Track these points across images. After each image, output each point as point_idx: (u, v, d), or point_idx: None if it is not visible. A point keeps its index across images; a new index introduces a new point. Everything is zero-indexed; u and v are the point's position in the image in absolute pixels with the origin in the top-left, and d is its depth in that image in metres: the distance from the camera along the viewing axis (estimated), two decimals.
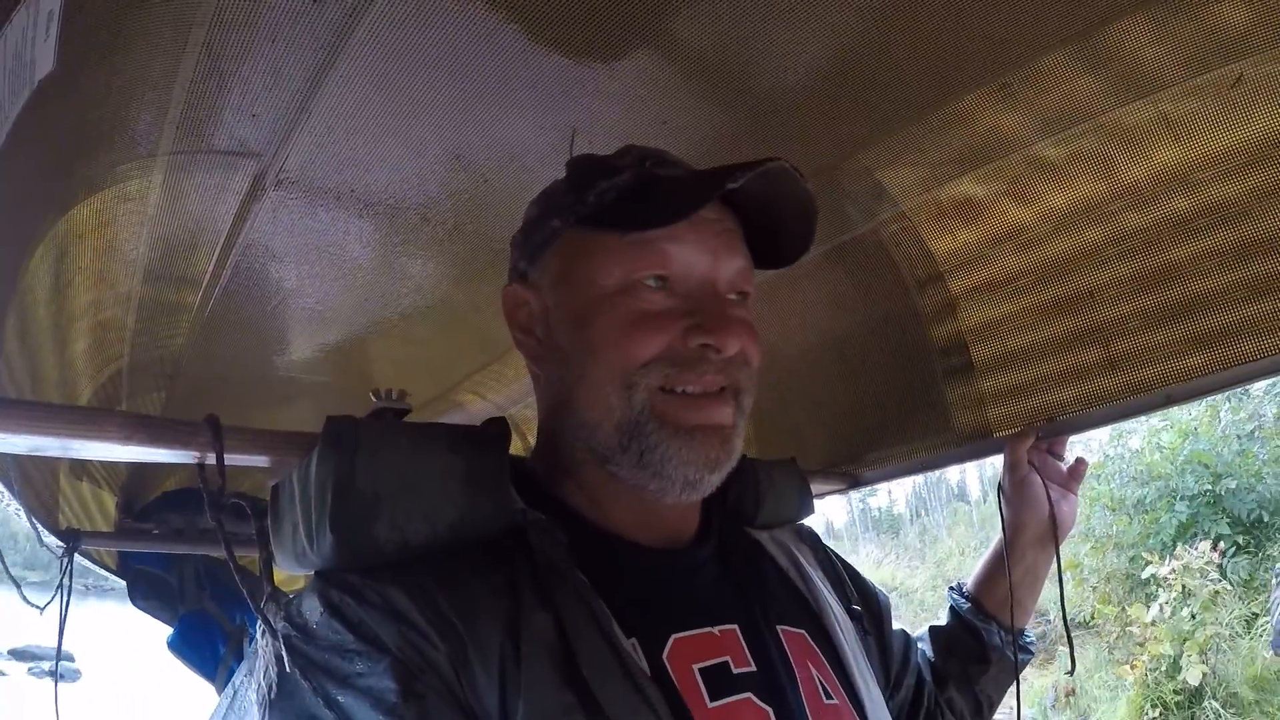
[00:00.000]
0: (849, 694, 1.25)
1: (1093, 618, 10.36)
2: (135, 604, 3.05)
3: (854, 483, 2.22)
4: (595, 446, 1.16)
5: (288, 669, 0.96)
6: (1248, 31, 1.44)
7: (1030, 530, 1.84)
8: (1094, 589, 10.40)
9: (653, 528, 1.21)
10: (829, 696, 1.20)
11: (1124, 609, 9.53)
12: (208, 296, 1.93)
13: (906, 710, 1.65)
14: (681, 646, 1.09)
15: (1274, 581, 4.73)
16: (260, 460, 1.31)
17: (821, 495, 2.11)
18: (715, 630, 1.14)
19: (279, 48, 1.31)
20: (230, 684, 2.23)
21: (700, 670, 1.08)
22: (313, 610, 0.99)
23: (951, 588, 1.93)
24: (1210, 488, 10.76)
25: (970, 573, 1.91)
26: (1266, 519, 10.49)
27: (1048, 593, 1.93)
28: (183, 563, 2.95)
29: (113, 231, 1.67)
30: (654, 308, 1.13)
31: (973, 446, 2.01)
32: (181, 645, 3.03)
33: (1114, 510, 11.35)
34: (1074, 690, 10.14)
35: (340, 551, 0.99)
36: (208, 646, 2.98)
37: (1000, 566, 1.84)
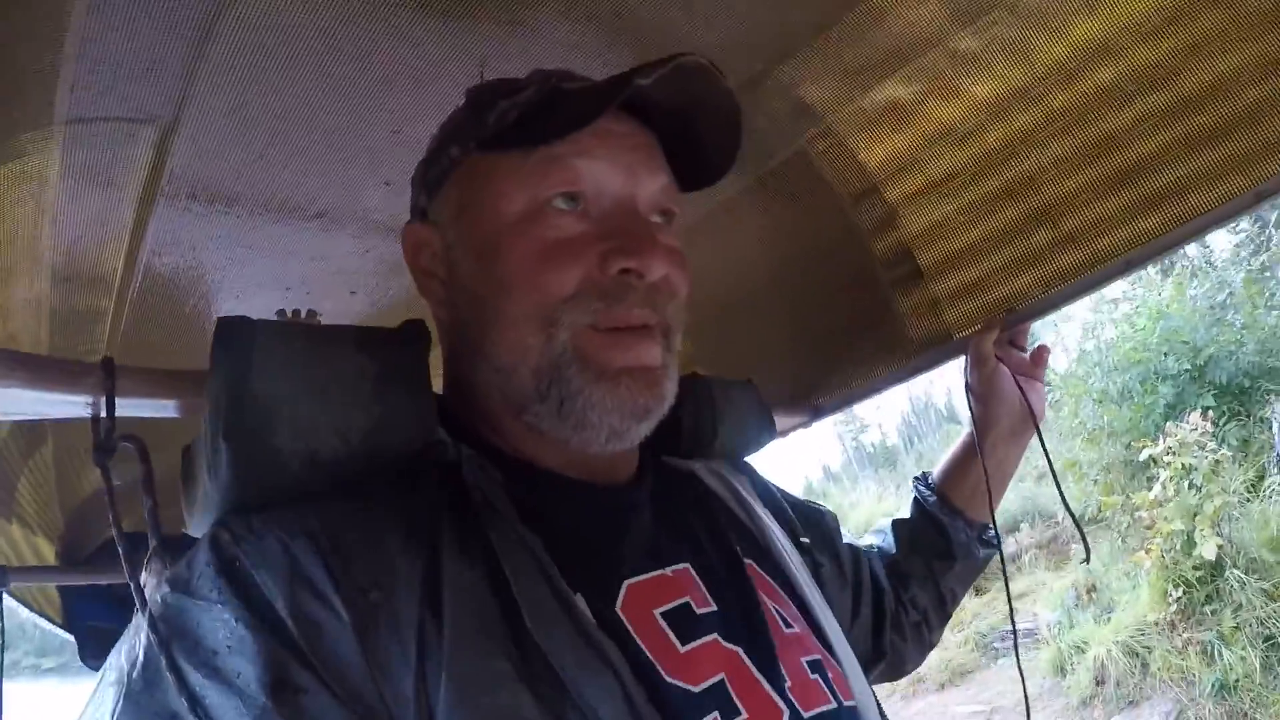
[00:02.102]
0: (808, 621, 1.23)
1: (1100, 511, 10.44)
2: (86, 664, 2.89)
3: (816, 413, 2.20)
4: (510, 394, 1.10)
5: (155, 649, 0.84)
6: None
7: (1003, 424, 1.85)
8: (1095, 483, 10.50)
9: (586, 467, 1.14)
10: (788, 625, 1.18)
11: (1128, 496, 9.61)
12: (123, 300, 1.81)
13: (870, 623, 1.66)
14: (637, 593, 1.04)
15: (1276, 451, 4.76)
16: (166, 407, 1.19)
17: (785, 432, 2.10)
18: (668, 571, 1.09)
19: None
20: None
21: (662, 614, 1.03)
22: (198, 563, 0.88)
23: (917, 479, 1.94)
24: (1190, 364, 10.88)
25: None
26: (1249, 385, 10.64)
27: (1052, 493, 1.94)
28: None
29: (13, 222, 1.53)
30: (566, 233, 1.07)
31: (934, 353, 2.01)
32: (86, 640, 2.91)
33: (1100, 402, 11.39)
34: (1094, 585, 10.23)
35: (238, 470, 0.92)
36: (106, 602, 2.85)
37: (967, 461, 1.86)
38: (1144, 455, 9.53)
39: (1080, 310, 12.65)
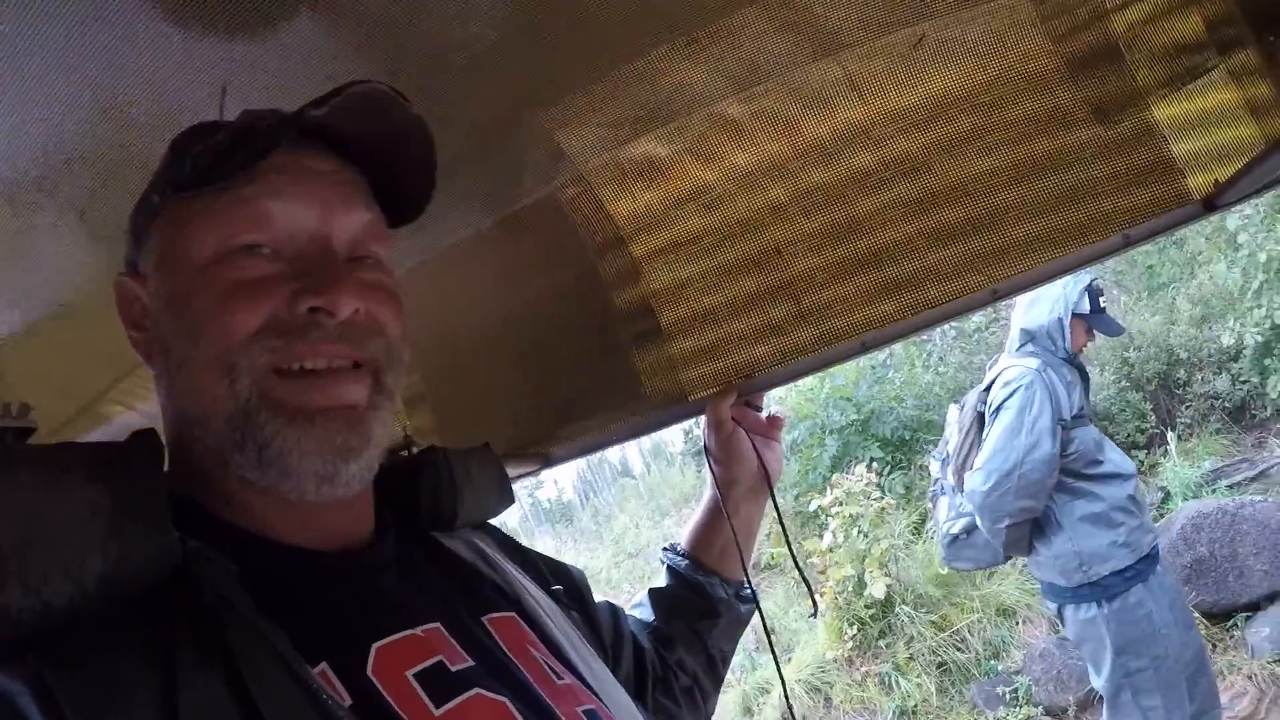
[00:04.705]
0: (574, 674, 1.24)
1: (772, 560, 10.96)
2: None
3: (547, 461, 2.22)
4: (213, 446, 1.05)
5: None
6: None
7: (743, 484, 1.92)
8: (767, 535, 11.00)
9: (317, 529, 1.12)
10: (559, 677, 1.19)
11: (800, 545, 10.09)
12: None
13: (633, 681, 1.66)
14: (386, 655, 1.02)
15: (930, 496, 5.15)
16: None
17: (514, 479, 2.09)
18: (418, 631, 1.08)
19: None
20: None
21: (415, 675, 1.01)
22: None
23: (665, 549, 1.98)
24: (855, 418, 11.60)
25: (663, 540, 1.96)
26: (909, 437, 11.45)
27: None
28: None
29: None
30: (254, 274, 1.05)
31: (669, 412, 2.05)
32: None
33: None
34: (771, 629, 10.65)
35: None
36: None
37: (714, 522, 1.92)
38: (813, 506, 10.05)
39: None
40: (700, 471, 16.56)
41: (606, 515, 19.49)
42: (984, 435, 4.81)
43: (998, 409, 4.71)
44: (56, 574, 0.84)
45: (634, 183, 1.92)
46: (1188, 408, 10.20)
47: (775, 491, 1.95)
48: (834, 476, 10.36)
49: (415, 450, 1.54)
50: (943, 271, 1.75)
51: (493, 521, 1.58)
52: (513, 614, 1.27)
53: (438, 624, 1.11)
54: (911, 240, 1.76)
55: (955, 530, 5.07)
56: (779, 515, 1.95)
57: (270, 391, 1.02)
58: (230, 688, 0.86)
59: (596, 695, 1.22)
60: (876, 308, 1.81)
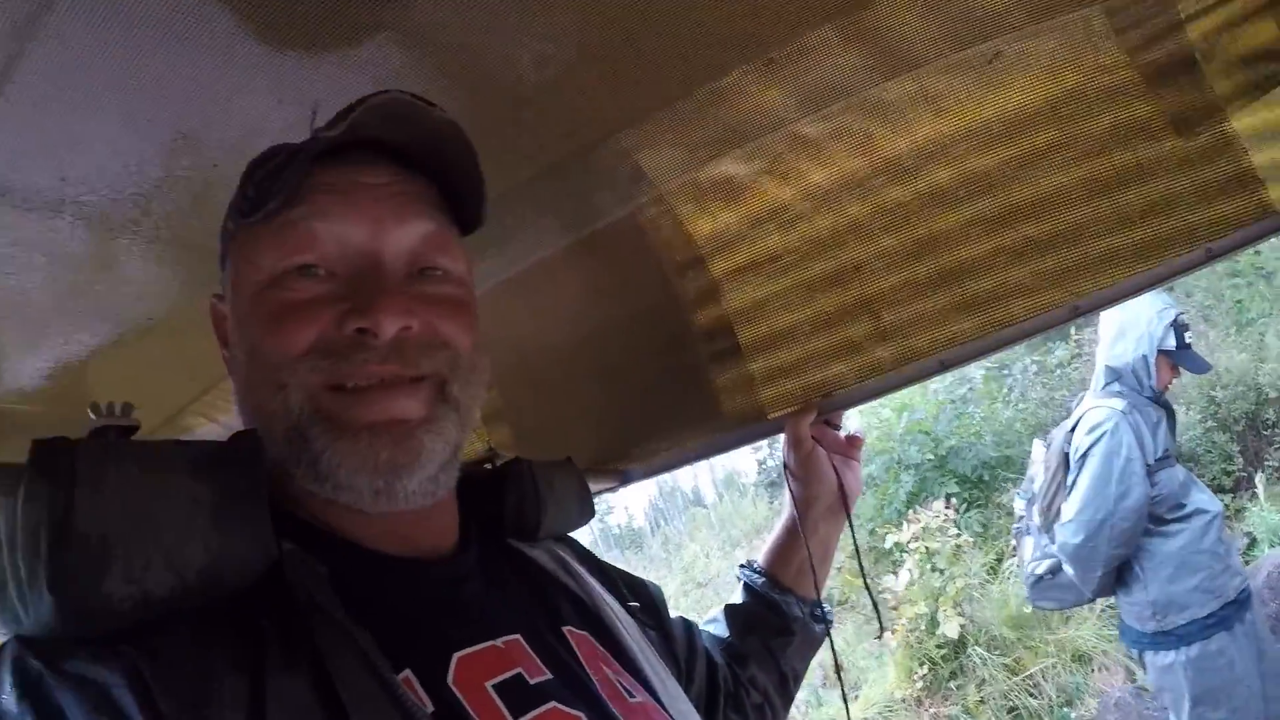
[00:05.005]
0: (648, 691, 1.24)
1: (843, 595, 10.83)
2: None
3: (624, 479, 2.24)
4: (278, 459, 1.07)
5: None
6: (1005, 10, 1.54)
7: (821, 503, 1.93)
8: (839, 568, 10.90)
9: (401, 538, 1.14)
10: (632, 695, 1.19)
11: (874, 580, 9.96)
12: None
13: (705, 697, 1.66)
14: (467, 665, 1.04)
15: (1015, 534, 5.05)
16: None
17: (593, 494, 2.12)
18: (499, 643, 1.10)
19: None
20: None
21: (495, 687, 1.03)
22: (2, 685, 0.83)
23: (743, 566, 1.99)
24: (933, 454, 11.46)
25: (732, 571, 1.97)
26: (987, 474, 11.27)
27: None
28: None
29: None
30: (304, 295, 1.07)
31: (747, 430, 2.06)
32: None
33: None
34: (841, 665, 10.53)
35: (63, 616, 0.83)
36: None
37: (791, 541, 1.93)
38: (889, 542, 9.93)
39: None
40: (773, 503, 16.41)
41: (676, 543, 19.36)
42: (1069, 479, 4.71)
43: (1084, 455, 4.58)
44: (159, 564, 0.87)
45: (713, 202, 1.94)
46: (1277, 449, 9.86)
47: (852, 512, 1.95)
48: (910, 511, 10.25)
49: (498, 462, 1.55)
50: (1023, 288, 1.74)
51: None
52: (589, 629, 1.28)
53: (518, 635, 1.13)
54: (991, 256, 1.76)
55: (1040, 570, 4.97)
56: (854, 535, 1.99)
57: (321, 406, 1.04)
58: (317, 690, 0.89)
59: (668, 713, 1.23)
60: (956, 325, 1.81)
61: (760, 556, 1.98)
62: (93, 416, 1.33)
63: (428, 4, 1.34)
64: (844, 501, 1.94)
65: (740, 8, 1.50)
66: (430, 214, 1.15)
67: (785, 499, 2.01)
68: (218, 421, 2.50)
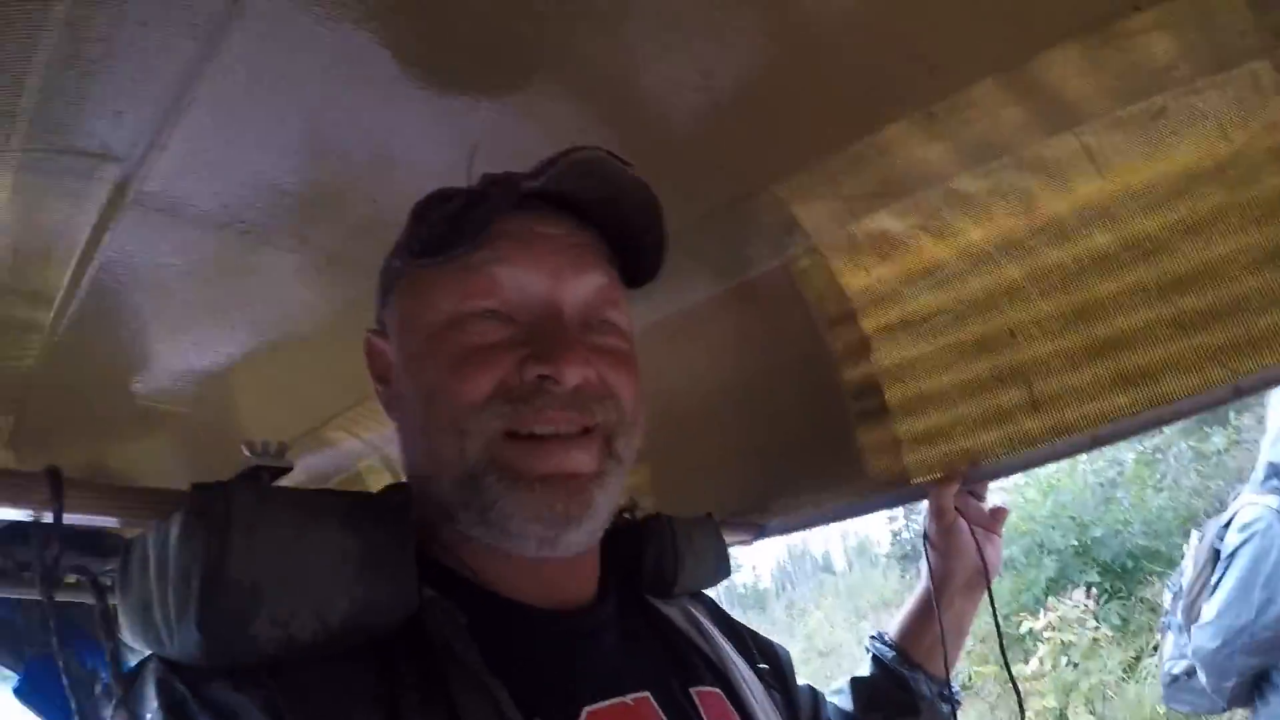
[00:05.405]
0: None
1: (970, 680, 10.59)
2: None
3: (760, 533, 2.21)
4: (442, 503, 1.11)
5: None
6: (1171, 64, 1.49)
7: (959, 577, 1.87)
8: (969, 652, 10.70)
9: (544, 587, 1.15)
10: None
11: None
12: (61, 315, 1.82)
13: None
14: None
15: (1160, 628, 4.85)
16: (109, 521, 1.21)
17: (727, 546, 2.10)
18: (628, 699, 1.10)
19: (151, 33, 1.19)
20: None
21: None
22: (148, 704, 0.88)
23: (873, 637, 1.95)
24: (1077, 540, 11.15)
25: (857, 643, 1.93)
26: (1132, 565, 10.92)
27: None
28: (29, 603, 2.81)
29: None
30: (485, 340, 1.09)
31: (889, 494, 2.02)
32: (30, 692, 2.89)
33: None
34: None
35: (208, 652, 0.86)
36: (58, 693, 2.84)
37: (924, 615, 1.88)
38: (1023, 628, 9.68)
39: None
40: (905, 577, 16.16)
41: (801, 609, 19.23)
42: (1215, 578, 4.50)
43: (1232, 554, 4.36)
44: (305, 612, 0.90)
45: (867, 257, 1.91)
46: None
47: (991, 589, 1.90)
48: (1049, 600, 9.98)
49: (637, 512, 1.58)
50: (1182, 363, 1.66)
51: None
52: (719, 689, 1.27)
53: (647, 694, 1.13)
54: (1150, 328, 1.69)
55: (1177, 671, 4.75)
56: (995, 613, 1.89)
57: (499, 455, 1.06)
58: None
59: None
60: (1111, 400, 1.73)
61: (891, 628, 1.93)
62: (247, 454, 1.38)
63: (588, 47, 1.37)
64: (984, 577, 1.88)
65: (902, 61, 1.49)
66: (603, 267, 1.18)
67: (922, 571, 1.97)
68: (360, 438, 2.58)
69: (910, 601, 1.95)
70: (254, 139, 1.45)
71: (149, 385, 2.25)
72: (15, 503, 1.09)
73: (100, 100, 1.29)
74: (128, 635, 0.97)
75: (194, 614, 0.84)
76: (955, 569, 1.87)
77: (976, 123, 1.62)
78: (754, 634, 1.59)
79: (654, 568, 1.44)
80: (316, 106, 1.40)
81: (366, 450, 2.73)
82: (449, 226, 1.11)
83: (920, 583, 1.95)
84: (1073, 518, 11.35)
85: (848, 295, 1.97)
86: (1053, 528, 11.34)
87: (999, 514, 1.93)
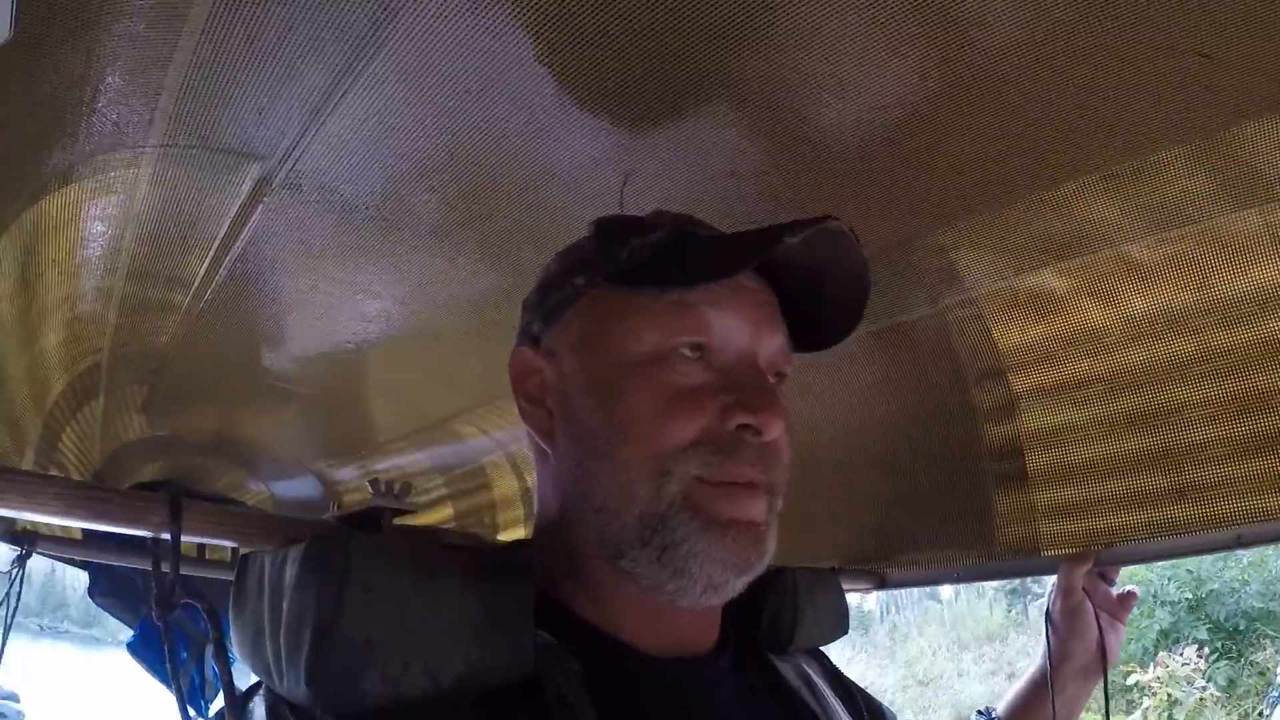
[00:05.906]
0: None
1: None
2: (94, 600, 3.05)
3: (881, 583, 2.16)
4: (610, 538, 1.07)
5: None
6: None
7: (1076, 660, 1.82)
8: None
9: (669, 635, 1.12)
10: None
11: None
12: (198, 298, 1.87)
13: None
14: None
15: (1270, 701, 4.68)
16: (226, 543, 1.23)
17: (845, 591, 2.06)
18: None
19: (297, 37, 1.20)
20: None
21: None
22: None
23: (980, 713, 1.90)
24: (1191, 594, 10.91)
25: (957, 673, 1.90)
26: (1245, 625, 10.68)
27: None
28: None
29: (92, 225, 1.60)
30: (691, 381, 1.06)
31: (1016, 562, 1.95)
32: (142, 648, 2.98)
33: None
34: None
35: (316, 701, 0.85)
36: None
37: (1036, 696, 1.84)
38: (1130, 680, 9.51)
39: None
40: (1010, 611, 15.99)
41: (903, 635, 19.17)
42: None
43: None
44: (416, 669, 0.88)
45: (1026, 314, 1.85)
46: None
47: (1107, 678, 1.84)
48: (1159, 654, 9.80)
49: None
50: None
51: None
52: None
53: None
54: None
55: None
56: (1106, 700, 1.84)
57: (694, 498, 1.04)
58: None
59: None
60: (1266, 499, 1.63)
61: (1000, 705, 1.90)
62: (370, 491, 1.37)
63: (757, 76, 1.34)
64: (1101, 664, 1.82)
65: (1084, 117, 1.42)
66: (783, 327, 1.16)
67: (1038, 651, 1.90)
68: (489, 435, 2.62)
69: (1023, 680, 1.91)
70: (400, 144, 1.46)
71: (277, 366, 2.32)
72: (134, 524, 1.10)
73: (241, 99, 1.32)
74: (237, 650, 0.98)
75: (303, 665, 0.84)
76: (1074, 651, 1.82)
77: (1159, 190, 1.54)
78: (865, 694, 1.55)
79: (771, 622, 1.43)
80: (465, 117, 1.40)
81: (492, 446, 2.77)
82: (670, 256, 1.11)
83: (1035, 662, 1.90)
84: (1190, 570, 11.14)
85: (1000, 351, 1.91)
86: (1168, 579, 11.15)
87: (1127, 600, 1.86)
